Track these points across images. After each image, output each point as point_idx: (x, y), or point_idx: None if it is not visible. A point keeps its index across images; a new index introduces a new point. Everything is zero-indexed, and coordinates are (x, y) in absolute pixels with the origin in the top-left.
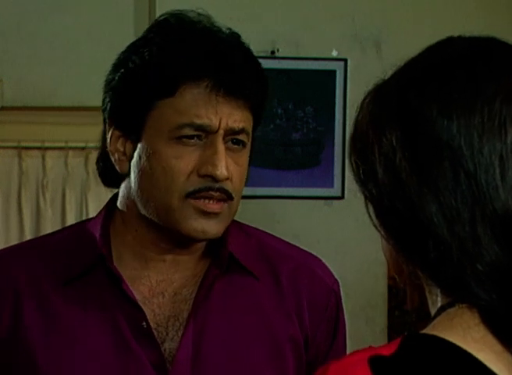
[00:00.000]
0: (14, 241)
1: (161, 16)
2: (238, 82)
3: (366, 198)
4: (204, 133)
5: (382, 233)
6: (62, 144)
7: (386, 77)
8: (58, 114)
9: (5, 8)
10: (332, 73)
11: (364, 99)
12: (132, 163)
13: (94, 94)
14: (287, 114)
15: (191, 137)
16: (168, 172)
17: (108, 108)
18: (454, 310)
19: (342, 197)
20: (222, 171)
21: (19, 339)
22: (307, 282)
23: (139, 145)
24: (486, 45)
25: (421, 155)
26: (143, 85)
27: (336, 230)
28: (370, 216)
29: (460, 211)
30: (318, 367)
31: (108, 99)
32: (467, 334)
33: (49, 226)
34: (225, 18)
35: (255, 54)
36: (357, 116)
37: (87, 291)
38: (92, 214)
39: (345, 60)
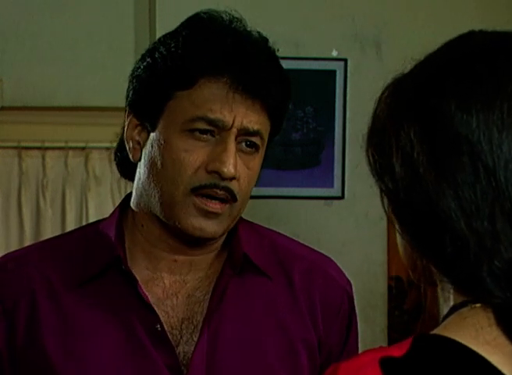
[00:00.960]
0: (14, 241)
1: (195, 13)
2: (257, 82)
3: (382, 191)
4: (217, 129)
5: (397, 227)
6: (62, 144)
7: (406, 71)
8: (58, 114)
9: (5, 8)
10: (332, 73)
11: (383, 93)
12: (143, 152)
13: (94, 94)
14: (287, 114)
15: (204, 131)
16: (177, 164)
17: (129, 95)
18: (467, 310)
19: (342, 197)
20: (229, 169)
21: (36, 339)
22: (320, 283)
23: (152, 135)
24: (507, 40)
25: (439, 150)
26: (164, 75)
27: (336, 230)
28: (385, 210)
29: (479, 206)
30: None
31: (130, 87)
32: (480, 336)
33: (49, 226)
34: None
35: None
36: (375, 110)
37: (101, 293)
38: (92, 214)
39: (345, 60)
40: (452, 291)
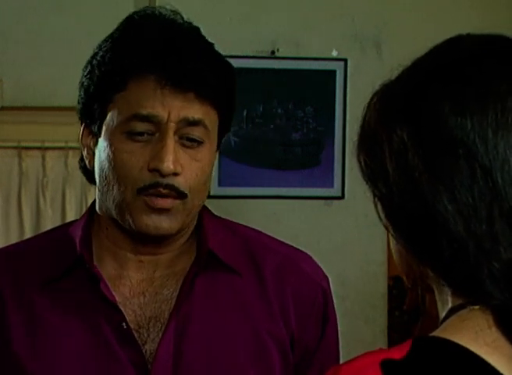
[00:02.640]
0: (14, 241)
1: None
2: (186, 74)
3: (375, 196)
4: (154, 127)
5: (392, 233)
6: (62, 144)
7: (393, 77)
8: (58, 114)
9: (5, 8)
10: (332, 73)
11: (371, 100)
12: (95, 158)
13: None
14: (287, 114)
15: (141, 133)
16: (121, 167)
17: (78, 103)
18: (466, 312)
19: (342, 197)
20: (167, 165)
21: (3, 338)
22: (292, 278)
23: (99, 140)
24: (495, 43)
25: (434, 153)
26: (99, 80)
27: (336, 230)
28: (379, 216)
29: (477, 208)
30: (306, 366)
31: (79, 98)
32: (479, 337)
33: (49, 226)
34: (225, 18)
35: (255, 54)
36: (364, 116)
37: (67, 293)
38: None
39: (345, 60)
40: (450, 293)
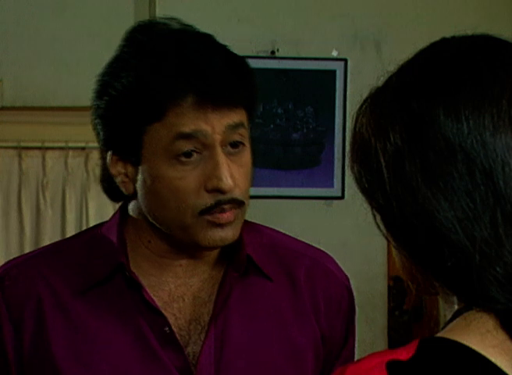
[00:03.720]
0: (14, 241)
1: (128, 32)
2: (222, 91)
3: (373, 207)
4: (200, 143)
5: (393, 243)
6: (62, 144)
7: (380, 83)
8: (58, 114)
9: (5, 9)
10: (332, 73)
11: (360, 107)
12: (137, 186)
13: None
14: (287, 114)
15: (189, 154)
16: (176, 193)
17: (100, 134)
18: (472, 313)
19: (342, 197)
20: (227, 182)
21: (43, 346)
22: (322, 279)
23: (141, 168)
24: (483, 44)
25: (432, 160)
26: (129, 113)
27: (336, 230)
28: (378, 227)
29: (479, 213)
30: (331, 363)
31: (99, 126)
32: (485, 339)
33: (49, 226)
34: (225, 18)
35: (255, 54)
36: (355, 125)
37: (107, 299)
38: (92, 214)
39: (345, 60)
40: (456, 300)
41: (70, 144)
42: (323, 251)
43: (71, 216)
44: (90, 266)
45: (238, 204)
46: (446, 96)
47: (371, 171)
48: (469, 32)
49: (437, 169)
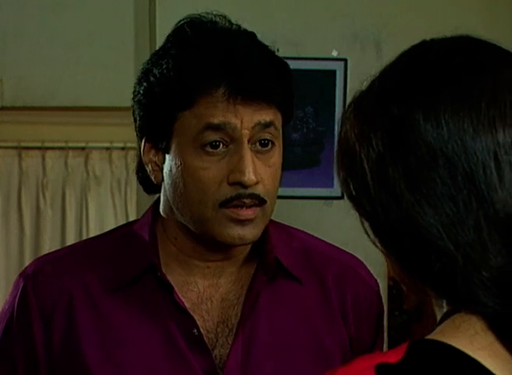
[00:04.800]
0: (14, 241)
1: (180, 21)
2: (255, 86)
3: (360, 214)
4: (228, 137)
5: (381, 249)
6: (62, 144)
7: (364, 87)
8: (58, 114)
9: (5, 9)
10: (332, 73)
11: (345, 113)
12: (164, 173)
13: (94, 94)
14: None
15: (216, 145)
16: (198, 183)
17: (137, 121)
18: (460, 316)
19: (342, 197)
20: (249, 177)
21: (73, 344)
22: (351, 284)
23: (168, 156)
24: (463, 46)
25: (414, 165)
26: (163, 99)
27: (336, 230)
28: (366, 232)
29: (463, 217)
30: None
31: (136, 112)
32: (474, 341)
33: (49, 226)
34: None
35: None
36: (340, 131)
37: (137, 298)
38: (92, 214)
39: (345, 60)
40: (445, 304)
41: (70, 144)
42: (354, 256)
43: (71, 216)
44: (121, 264)
45: (259, 201)
46: (425, 100)
47: (356, 177)
48: (469, 32)
49: (419, 175)
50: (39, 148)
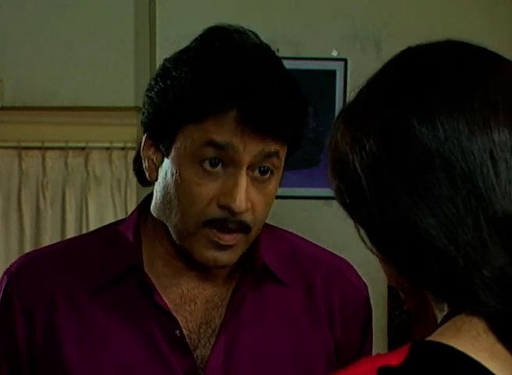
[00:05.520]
0: (14, 241)
1: (210, 28)
2: (267, 119)
3: (356, 221)
4: (229, 159)
5: (378, 255)
6: (62, 144)
7: (350, 98)
8: (58, 114)
9: (5, 9)
10: (332, 73)
11: (334, 124)
12: (159, 175)
13: (94, 94)
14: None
15: (215, 163)
16: (188, 197)
17: (144, 114)
18: (461, 317)
19: None
20: (240, 204)
21: (54, 341)
22: (339, 287)
23: (166, 160)
24: (454, 50)
25: (410, 167)
26: (174, 106)
27: (336, 230)
28: (362, 240)
29: (462, 217)
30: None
31: (145, 106)
32: (476, 343)
33: (49, 226)
34: (224, 18)
35: None
36: (330, 142)
37: (119, 299)
38: (92, 214)
39: (345, 60)
40: (446, 307)
41: (70, 144)
42: (343, 259)
43: (71, 216)
44: (104, 264)
45: (245, 228)
46: (419, 102)
47: (350, 185)
48: (469, 32)
49: (416, 177)
50: (39, 148)
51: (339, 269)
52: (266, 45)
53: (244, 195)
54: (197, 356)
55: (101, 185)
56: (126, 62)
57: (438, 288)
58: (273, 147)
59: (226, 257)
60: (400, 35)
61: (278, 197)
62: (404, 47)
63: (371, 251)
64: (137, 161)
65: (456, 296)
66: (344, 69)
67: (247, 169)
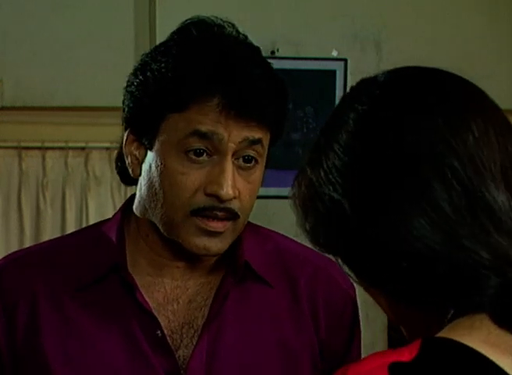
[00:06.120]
0: (14, 241)
1: (187, 21)
2: (250, 104)
3: (339, 258)
4: (213, 147)
5: (371, 289)
6: (62, 144)
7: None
8: (58, 114)
9: (5, 9)
10: (332, 73)
11: (296, 177)
12: (143, 169)
13: (94, 94)
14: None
15: (199, 153)
16: (174, 187)
17: (125, 110)
18: (472, 315)
19: None
20: (227, 191)
21: (35, 340)
22: (323, 286)
23: (150, 154)
24: (435, 73)
25: (398, 175)
26: (155, 97)
27: None
28: (352, 278)
29: (461, 217)
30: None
31: (125, 102)
32: (488, 339)
33: (49, 226)
34: (224, 18)
35: None
36: (297, 189)
37: (101, 298)
38: (92, 214)
39: (345, 60)
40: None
41: (70, 144)
42: (328, 258)
43: (71, 216)
44: (87, 264)
45: (232, 215)
46: (400, 111)
47: (328, 217)
48: (469, 32)
49: (402, 185)
50: (39, 148)
51: (325, 269)
52: (244, 35)
53: (231, 182)
54: (179, 356)
55: (101, 185)
56: (126, 62)
57: (444, 302)
58: (257, 134)
59: (217, 245)
60: (400, 35)
61: (273, 197)
62: (404, 47)
63: (364, 287)
64: (119, 160)
65: (463, 305)
66: (344, 69)
67: (232, 157)
